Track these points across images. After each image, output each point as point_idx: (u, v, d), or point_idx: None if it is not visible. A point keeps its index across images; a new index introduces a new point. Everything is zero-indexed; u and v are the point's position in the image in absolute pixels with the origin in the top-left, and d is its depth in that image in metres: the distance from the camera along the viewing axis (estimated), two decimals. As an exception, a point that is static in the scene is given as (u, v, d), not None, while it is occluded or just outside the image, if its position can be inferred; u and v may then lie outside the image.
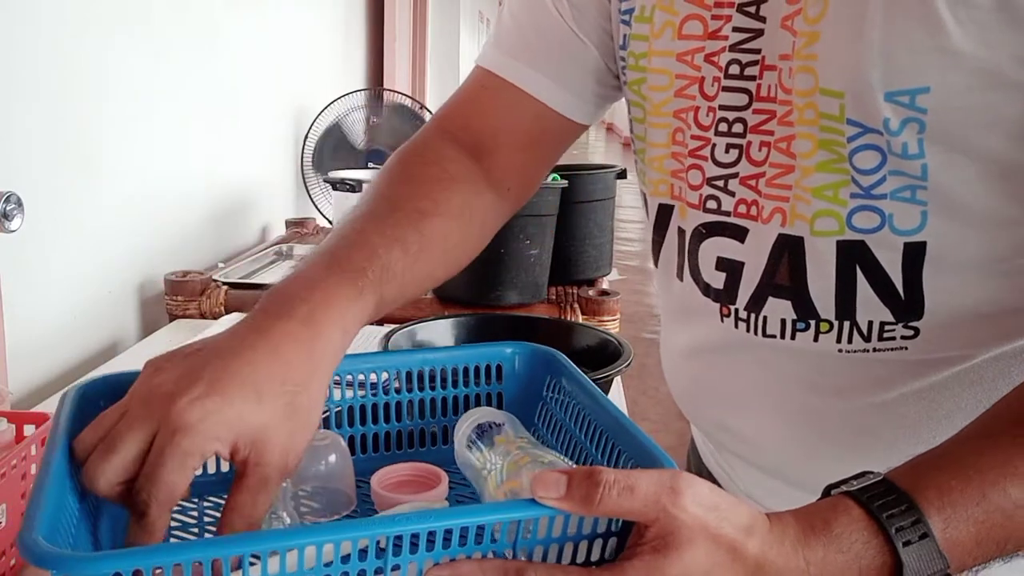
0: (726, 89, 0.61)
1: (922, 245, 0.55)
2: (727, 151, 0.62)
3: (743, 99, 0.60)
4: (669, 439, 3.02)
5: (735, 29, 0.59)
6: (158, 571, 0.39)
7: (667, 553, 0.40)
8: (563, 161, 0.89)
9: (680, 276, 0.68)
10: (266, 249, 1.73)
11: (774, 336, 0.61)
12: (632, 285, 4.65)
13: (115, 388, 0.54)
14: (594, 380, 0.97)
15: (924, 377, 0.57)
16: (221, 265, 1.59)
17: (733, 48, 0.60)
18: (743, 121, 0.60)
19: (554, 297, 1.49)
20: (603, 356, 0.97)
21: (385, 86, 3.05)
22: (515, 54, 0.71)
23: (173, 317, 1.41)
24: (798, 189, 0.57)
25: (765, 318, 0.61)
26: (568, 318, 1.39)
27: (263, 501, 0.48)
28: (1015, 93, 0.50)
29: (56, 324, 1.21)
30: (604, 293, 1.45)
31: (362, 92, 2.24)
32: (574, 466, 0.52)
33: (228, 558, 0.40)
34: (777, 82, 0.57)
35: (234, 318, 1.16)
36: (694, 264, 0.66)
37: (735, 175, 0.61)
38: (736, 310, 0.63)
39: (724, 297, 0.64)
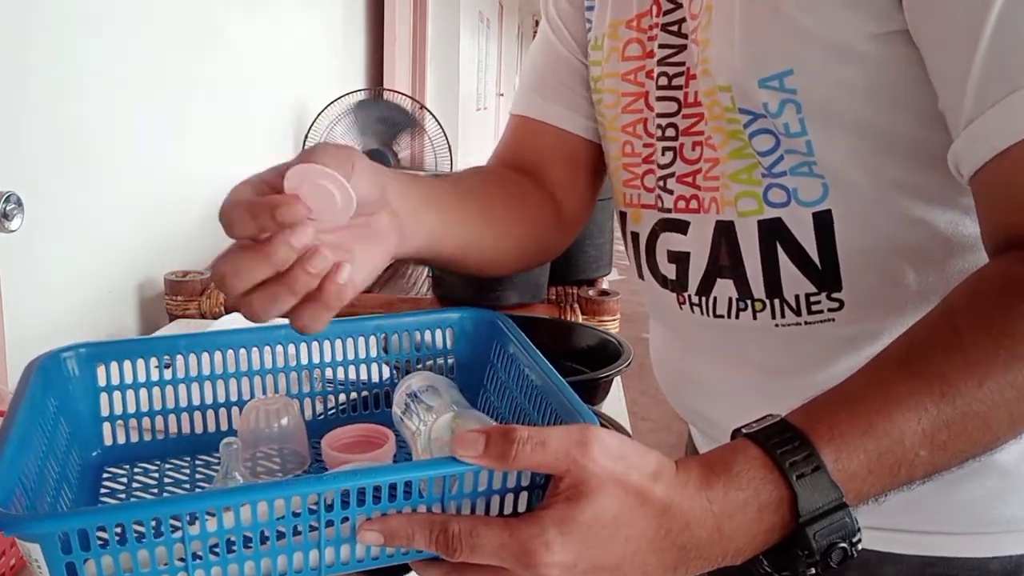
0: (659, 99, 0.67)
1: (828, 213, 0.60)
2: (663, 154, 0.68)
3: (673, 107, 0.66)
4: (669, 439, 3.02)
5: (660, 46, 0.67)
6: (102, 532, 0.41)
7: (579, 501, 0.43)
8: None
9: (641, 275, 0.74)
10: (266, 249, 1.73)
11: (723, 316, 0.66)
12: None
13: (84, 358, 0.62)
14: (594, 380, 0.97)
15: (858, 351, 0.60)
16: (221, 265, 1.59)
17: (661, 62, 0.67)
18: (675, 126, 0.67)
19: (554, 297, 1.49)
20: (603, 356, 0.97)
21: (385, 86, 3.05)
22: (533, 91, 0.79)
23: (173, 317, 1.41)
24: (723, 178, 0.64)
25: (715, 299, 0.67)
26: (568, 318, 1.39)
27: None
28: (868, 65, 0.55)
29: (56, 324, 1.21)
30: (604, 293, 1.45)
31: (362, 92, 2.24)
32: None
33: (167, 518, 0.42)
34: (700, 88, 0.64)
35: (234, 318, 1.16)
36: (652, 261, 0.72)
37: (672, 175, 0.68)
38: (689, 296, 0.68)
39: (678, 286, 0.69)
